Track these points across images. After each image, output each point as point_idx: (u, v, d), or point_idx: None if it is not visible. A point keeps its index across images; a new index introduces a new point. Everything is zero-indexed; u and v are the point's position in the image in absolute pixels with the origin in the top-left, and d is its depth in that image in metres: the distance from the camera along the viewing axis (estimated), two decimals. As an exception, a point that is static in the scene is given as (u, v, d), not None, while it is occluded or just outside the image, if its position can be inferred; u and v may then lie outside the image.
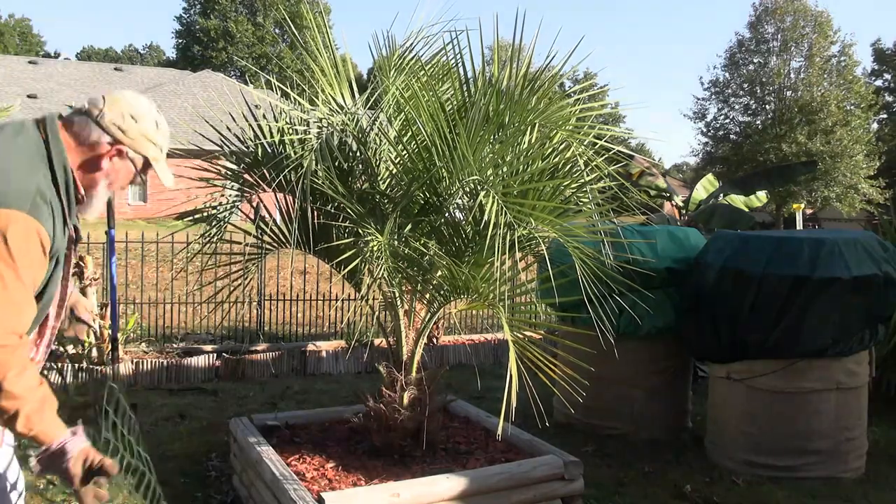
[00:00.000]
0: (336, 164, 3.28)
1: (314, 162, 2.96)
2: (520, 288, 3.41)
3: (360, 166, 3.48)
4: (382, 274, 3.02)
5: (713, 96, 31.27)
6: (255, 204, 3.66)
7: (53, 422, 1.64)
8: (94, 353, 5.62)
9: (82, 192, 1.81)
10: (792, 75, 29.26)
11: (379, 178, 3.44)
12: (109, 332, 5.56)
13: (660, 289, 4.46)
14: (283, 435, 3.63)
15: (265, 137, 3.41)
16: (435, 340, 6.73)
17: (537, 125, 3.10)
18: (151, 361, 5.84)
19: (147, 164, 1.90)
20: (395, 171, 3.40)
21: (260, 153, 3.44)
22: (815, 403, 3.96)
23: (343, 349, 6.54)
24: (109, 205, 6.28)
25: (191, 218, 3.46)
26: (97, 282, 5.62)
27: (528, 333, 2.92)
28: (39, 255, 1.65)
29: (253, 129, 3.45)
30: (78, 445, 1.64)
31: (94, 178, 1.82)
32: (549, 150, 3.23)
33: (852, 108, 28.15)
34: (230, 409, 5.08)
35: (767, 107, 29.82)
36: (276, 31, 44.18)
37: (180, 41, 45.64)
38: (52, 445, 1.61)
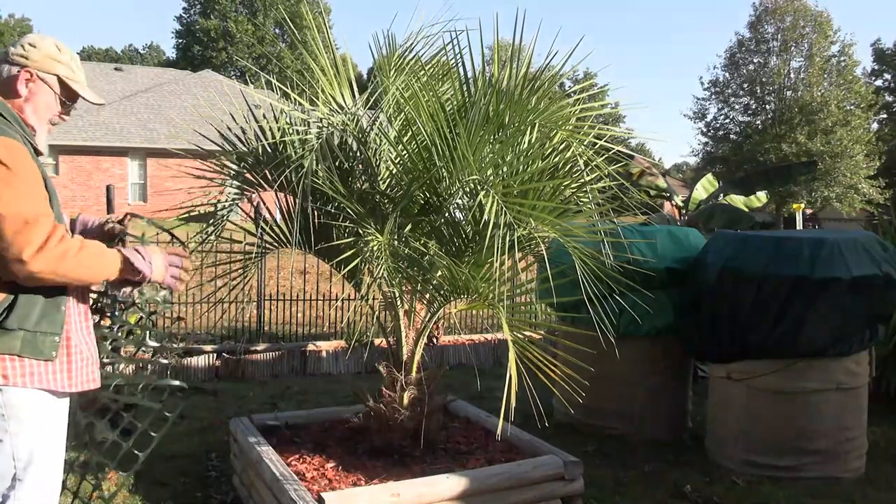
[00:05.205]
0: (336, 164, 3.28)
1: (314, 162, 2.96)
2: (520, 288, 3.41)
3: (361, 166, 3.48)
4: (382, 274, 3.02)
5: (713, 96, 31.27)
6: (255, 203, 3.67)
7: (109, 261, 2.03)
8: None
9: (28, 121, 2.06)
10: (792, 75, 29.25)
11: (379, 178, 3.44)
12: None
13: (660, 289, 4.46)
14: (283, 435, 3.63)
15: (265, 137, 3.41)
16: (435, 340, 6.70)
17: (537, 125, 3.10)
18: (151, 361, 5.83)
19: (66, 88, 2.12)
20: (395, 171, 3.40)
21: (261, 153, 3.44)
22: (815, 403, 3.96)
23: (343, 349, 6.54)
24: (109, 204, 6.29)
25: (187, 214, 3.46)
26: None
27: (528, 333, 2.92)
28: (28, 159, 1.91)
29: (253, 129, 3.45)
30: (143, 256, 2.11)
31: (19, 105, 2.05)
32: (549, 150, 3.23)
33: (852, 108, 28.12)
34: (230, 409, 5.07)
35: (767, 107, 29.82)
36: (276, 31, 44.15)
37: (180, 41, 45.63)
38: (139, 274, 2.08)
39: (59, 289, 1.98)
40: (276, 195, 3.52)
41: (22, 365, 1.92)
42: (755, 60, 29.91)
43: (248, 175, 3.51)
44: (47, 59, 2.08)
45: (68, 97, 2.14)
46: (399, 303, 3.35)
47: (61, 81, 2.11)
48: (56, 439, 2.05)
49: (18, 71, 2.04)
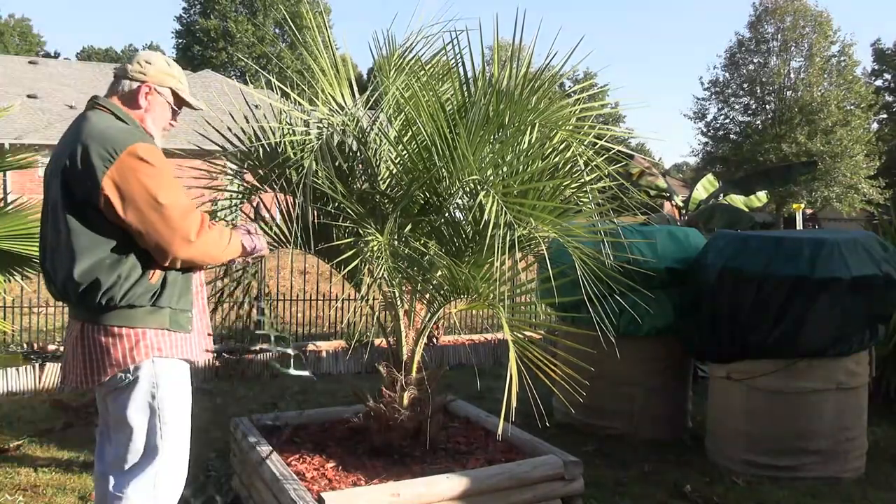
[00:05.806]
0: (336, 164, 3.28)
1: (314, 162, 2.96)
2: (520, 288, 3.41)
3: (361, 166, 3.48)
4: (382, 274, 3.02)
5: (713, 96, 31.25)
6: (255, 204, 3.67)
7: (237, 242, 2.39)
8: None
9: (147, 129, 2.35)
10: (792, 75, 29.23)
11: (379, 178, 3.44)
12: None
13: (660, 289, 4.46)
14: (283, 435, 3.63)
15: (265, 138, 3.41)
16: (435, 340, 6.72)
17: (537, 125, 3.10)
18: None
19: (177, 98, 2.42)
20: (395, 171, 3.40)
21: (260, 153, 3.44)
22: (815, 403, 3.96)
23: (343, 349, 6.54)
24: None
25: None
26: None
27: (528, 333, 2.92)
28: (165, 159, 2.20)
29: (254, 130, 3.45)
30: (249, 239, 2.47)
31: (141, 116, 2.35)
32: (549, 150, 3.23)
33: (852, 108, 28.11)
34: (230, 409, 5.07)
35: (767, 107, 29.79)
36: (276, 31, 44.11)
37: (180, 41, 45.59)
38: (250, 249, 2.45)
39: (189, 269, 2.29)
40: (276, 195, 3.52)
41: (171, 338, 2.25)
42: (755, 60, 29.90)
43: (247, 175, 3.51)
44: (162, 74, 2.38)
45: (177, 105, 2.45)
46: (399, 303, 3.35)
47: (173, 93, 2.41)
48: (188, 402, 2.38)
49: (139, 86, 2.34)
